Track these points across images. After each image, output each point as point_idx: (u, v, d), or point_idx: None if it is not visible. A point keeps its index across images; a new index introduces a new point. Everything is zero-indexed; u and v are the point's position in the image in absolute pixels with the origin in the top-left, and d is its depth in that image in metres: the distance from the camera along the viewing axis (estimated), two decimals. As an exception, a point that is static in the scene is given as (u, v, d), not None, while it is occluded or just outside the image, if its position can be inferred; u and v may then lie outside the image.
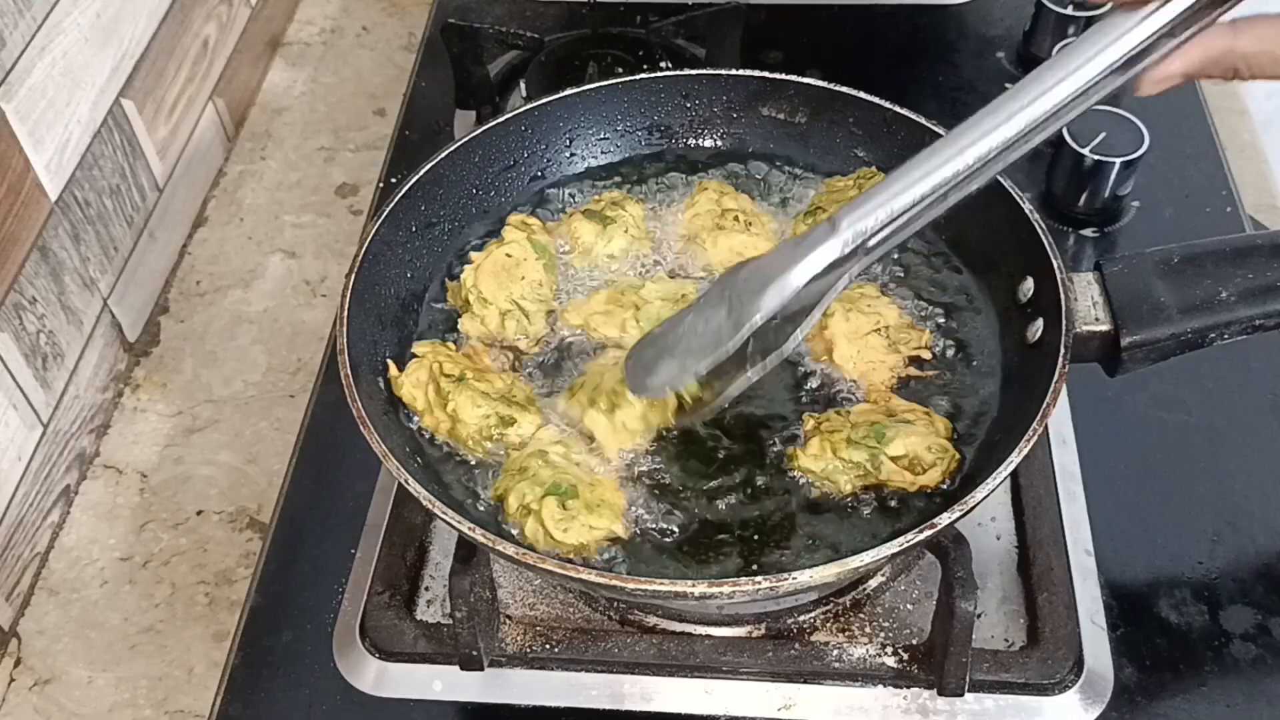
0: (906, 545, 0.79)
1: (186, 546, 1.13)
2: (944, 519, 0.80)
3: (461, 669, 0.92)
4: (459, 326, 1.01)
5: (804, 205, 1.09)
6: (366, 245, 0.98)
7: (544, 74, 1.39)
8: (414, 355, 0.97)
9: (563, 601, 0.98)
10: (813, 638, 0.94)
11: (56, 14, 1.14)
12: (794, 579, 0.78)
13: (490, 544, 0.81)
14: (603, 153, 1.15)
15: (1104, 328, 0.91)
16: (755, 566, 0.87)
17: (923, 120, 1.05)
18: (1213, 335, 0.91)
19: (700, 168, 1.13)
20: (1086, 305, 0.92)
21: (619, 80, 1.12)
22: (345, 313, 0.93)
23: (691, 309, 0.89)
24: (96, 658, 1.06)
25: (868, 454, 0.89)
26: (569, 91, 1.11)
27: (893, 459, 0.89)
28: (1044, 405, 0.84)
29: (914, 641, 0.93)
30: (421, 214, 1.04)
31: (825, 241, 0.81)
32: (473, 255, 1.03)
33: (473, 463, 0.93)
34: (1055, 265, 0.92)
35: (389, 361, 0.95)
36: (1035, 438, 0.82)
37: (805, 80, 1.10)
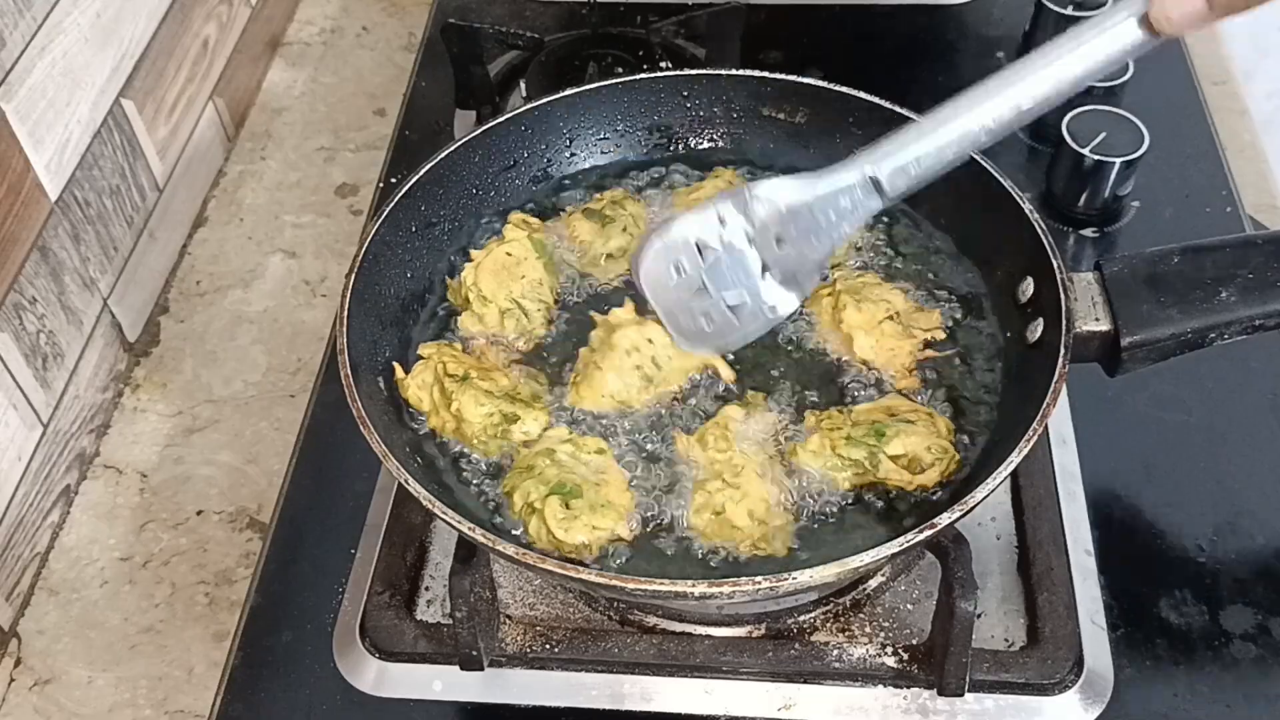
0: (906, 545, 0.79)
1: (186, 546, 1.13)
2: (944, 519, 0.80)
3: (461, 669, 0.92)
4: (459, 324, 1.01)
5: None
6: (366, 245, 0.98)
7: (544, 74, 1.39)
8: (419, 357, 0.96)
9: (563, 601, 0.98)
10: (813, 638, 0.94)
11: (56, 14, 1.14)
12: (794, 579, 0.78)
13: (490, 544, 0.81)
14: (603, 153, 1.15)
15: (1104, 328, 0.91)
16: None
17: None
18: (1213, 335, 0.91)
19: (700, 167, 1.13)
20: (1086, 305, 0.92)
21: (619, 80, 1.12)
22: (345, 313, 0.93)
23: (709, 207, 0.90)
24: (96, 658, 1.06)
25: (867, 452, 0.89)
26: (569, 91, 1.11)
27: (891, 458, 0.89)
28: (1044, 405, 0.84)
29: (914, 641, 0.93)
30: (421, 214, 1.04)
31: (844, 170, 0.85)
32: (473, 253, 1.03)
33: (476, 461, 0.93)
34: (1055, 265, 0.92)
35: (394, 364, 0.95)
36: (1035, 438, 0.82)
37: (805, 80, 1.10)
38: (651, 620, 0.96)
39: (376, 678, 0.94)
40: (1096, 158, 1.20)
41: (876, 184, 0.85)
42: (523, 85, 1.39)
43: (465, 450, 0.94)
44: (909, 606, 0.96)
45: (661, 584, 0.79)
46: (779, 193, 0.87)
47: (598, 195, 1.10)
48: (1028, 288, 0.97)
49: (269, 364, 1.28)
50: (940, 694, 0.90)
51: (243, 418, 1.23)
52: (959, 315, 1.01)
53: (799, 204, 0.87)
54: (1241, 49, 1.57)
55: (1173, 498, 1.03)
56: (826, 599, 0.96)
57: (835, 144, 1.11)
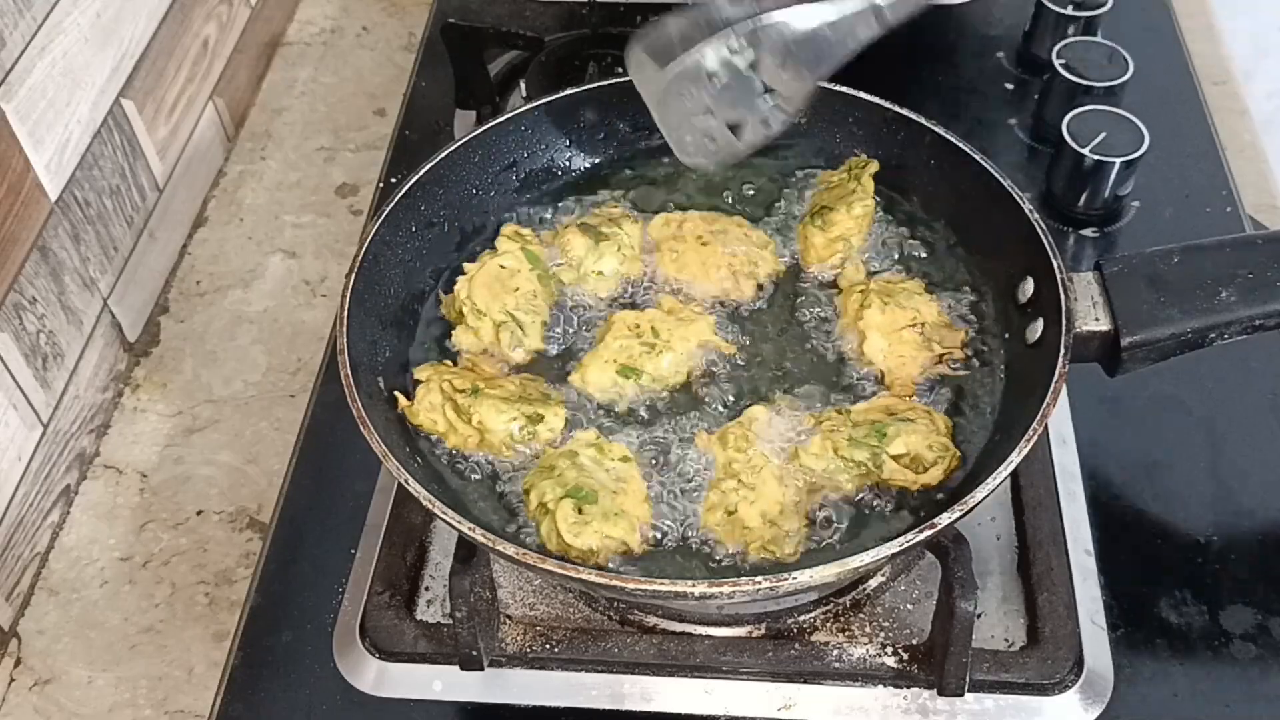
0: (906, 545, 0.79)
1: (186, 546, 1.13)
2: (944, 519, 0.80)
3: (461, 669, 0.92)
4: (454, 339, 1.01)
5: (804, 206, 1.09)
6: (366, 245, 0.98)
7: (544, 74, 1.39)
8: (417, 381, 0.95)
9: (563, 601, 0.98)
10: (813, 638, 0.94)
11: (56, 14, 1.14)
12: (794, 579, 0.78)
13: (490, 544, 0.81)
14: (603, 153, 1.15)
15: (1104, 327, 0.91)
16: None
17: (923, 120, 1.05)
18: (1212, 335, 0.91)
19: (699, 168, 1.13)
20: (1086, 305, 0.92)
21: (619, 80, 1.12)
22: (345, 313, 0.93)
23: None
24: (96, 658, 1.06)
25: (869, 453, 0.89)
26: (569, 91, 1.11)
27: (894, 457, 0.89)
28: (1044, 405, 0.84)
29: (914, 641, 0.93)
30: (421, 214, 1.04)
31: None
32: (466, 267, 1.03)
33: (475, 460, 0.93)
34: (1055, 265, 0.92)
35: (397, 394, 0.94)
36: (1035, 437, 0.82)
37: (805, 80, 1.10)
38: (651, 620, 0.96)
39: (376, 678, 0.94)
40: (1097, 158, 1.20)
41: (878, 10, 0.87)
42: (523, 85, 1.39)
43: (466, 452, 0.94)
44: (909, 606, 0.96)
45: (662, 584, 0.79)
46: (788, 23, 0.89)
47: (595, 210, 1.09)
48: (1028, 287, 0.97)
49: (269, 364, 1.28)
50: (940, 694, 0.90)
51: (243, 418, 1.23)
52: (961, 314, 1.01)
53: (805, 32, 0.89)
54: (1241, 49, 1.57)
55: (1173, 497, 1.03)
56: (826, 599, 0.96)
57: (835, 143, 1.11)
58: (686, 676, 0.92)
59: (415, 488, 0.83)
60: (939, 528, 0.80)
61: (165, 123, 1.36)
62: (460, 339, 1.00)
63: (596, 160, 1.15)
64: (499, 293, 1.00)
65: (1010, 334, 0.98)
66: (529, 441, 0.92)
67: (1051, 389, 0.85)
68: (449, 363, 0.99)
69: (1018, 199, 0.97)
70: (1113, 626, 0.95)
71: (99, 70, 1.22)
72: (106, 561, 1.12)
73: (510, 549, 0.81)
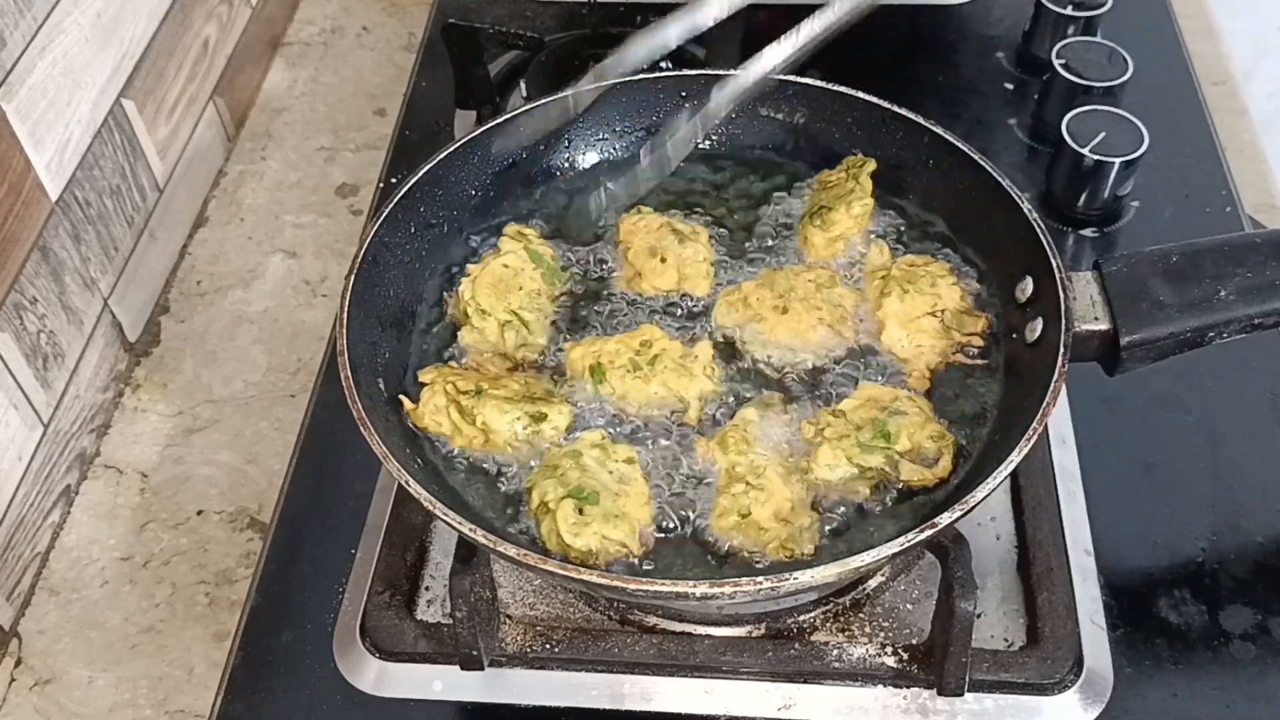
0: (906, 545, 0.79)
1: (187, 546, 1.13)
2: (944, 519, 0.80)
3: (462, 669, 0.92)
4: (459, 340, 1.01)
5: (803, 205, 1.09)
6: (366, 246, 0.98)
7: (544, 74, 1.39)
8: (422, 384, 0.95)
9: (563, 601, 0.98)
10: (813, 638, 0.94)
11: (57, 14, 1.14)
12: (794, 579, 0.78)
13: (490, 544, 0.81)
14: (602, 153, 1.15)
15: (1103, 327, 0.91)
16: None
17: (922, 120, 1.05)
18: (1212, 334, 0.91)
19: (699, 167, 1.13)
20: (1085, 304, 0.92)
21: (618, 80, 1.12)
22: (345, 313, 0.93)
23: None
24: (97, 658, 1.06)
25: (884, 457, 0.89)
26: (569, 91, 1.11)
27: (902, 454, 0.89)
28: (1044, 405, 0.84)
29: (914, 641, 0.93)
30: (421, 214, 1.04)
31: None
32: (470, 268, 1.03)
33: (475, 461, 0.93)
34: (1054, 265, 0.92)
35: (401, 397, 0.94)
36: (1035, 437, 0.82)
37: (804, 80, 1.10)
38: (652, 620, 0.96)
39: (377, 678, 0.94)
40: (1096, 158, 1.20)
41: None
42: (523, 85, 1.39)
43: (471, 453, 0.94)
44: (909, 606, 0.96)
45: (663, 584, 0.79)
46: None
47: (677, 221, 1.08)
48: (1027, 287, 0.97)
49: (269, 364, 1.28)
50: (940, 694, 0.90)
51: (243, 418, 1.23)
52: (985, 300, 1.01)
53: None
54: (1241, 49, 1.57)
55: (1172, 497, 1.03)
56: (826, 599, 0.96)
57: (834, 143, 1.11)
58: (686, 676, 0.92)
59: (415, 488, 0.83)
60: (939, 528, 0.80)
61: (166, 123, 1.36)
62: (466, 339, 1.00)
63: (596, 160, 1.15)
64: (503, 292, 1.00)
65: (1009, 333, 0.98)
66: (534, 440, 0.92)
67: (1051, 388, 0.85)
68: (453, 364, 0.99)
69: (1017, 199, 0.97)
70: (1112, 626, 0.95)
71: (99, 70, 1.22)
72: (107, 561, 1.12)
73: (511, 549, 0.81)
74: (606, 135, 1.14)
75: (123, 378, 1.27)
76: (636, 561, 0.87)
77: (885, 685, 0.91)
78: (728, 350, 1.00)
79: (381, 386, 0.95)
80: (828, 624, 0.95)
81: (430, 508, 0.83)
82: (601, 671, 0.93)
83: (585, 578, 0.80)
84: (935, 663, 0.90)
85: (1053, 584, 0.94)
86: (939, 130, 1.04)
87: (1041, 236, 0.94)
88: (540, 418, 0.93)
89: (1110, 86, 1.27)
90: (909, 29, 1.50)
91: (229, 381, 1.26)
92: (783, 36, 0.93)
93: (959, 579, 0.84)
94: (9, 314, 1.08)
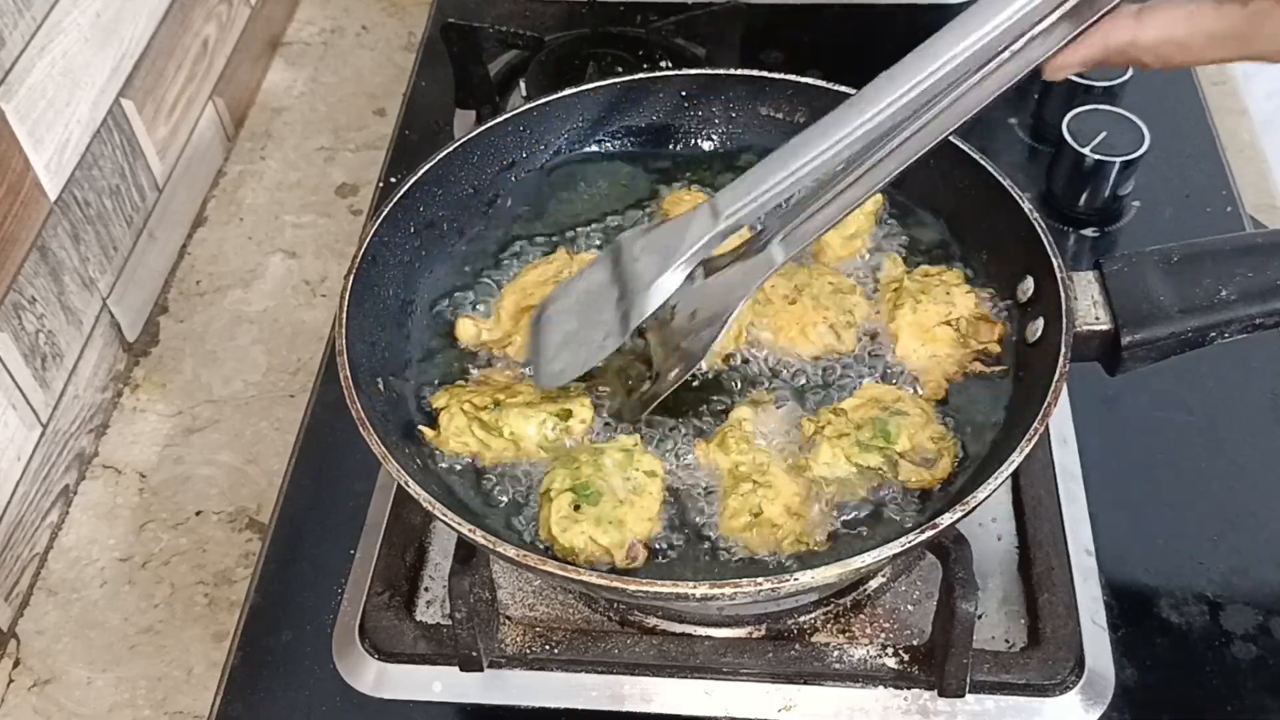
0: (907, 546, 0.79)
1: (186, 547, 1.13)
2: (945, 519, 0.80)
3: (461, 670, 0.92)
4: (457, 332, 1.00)
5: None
6: (365, 246, 0.97)
7: (544, 73, 1.39)
8: (435, 410, 0.94)
9: (562, 602, 0.97)
10: (813, 639, 0.94)
11: (56, 13, 1.14)
12: (795, 580, 0.78)
13: (490, 545, 0.81)
14: (601, 153, 1.14)
15: (1104, 327, 0.91)
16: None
17: (923, 120, 1.05)
18: (1213, 334, 0.91)
19: (699, 167, 1.13)
20: (1086, 304, 0.91)
21: (618, 80, 1.12)
22: (344, 313, 0.92)
23: (587, 274, 0.92)
24: (96, 658, 1.06)
25: (882, 457, 0.89)
26: (569, 91, 1.11)
27: (901, 454, 0.89)
28: (1045, 405, 0.84)
29: (915, 642, 0.93)
30: (421, 214, 1.04)
31: (706, 231, 0.85)
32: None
33: (474, 461, 0.93)
34: (1055, 264, 0.92)
35: (421, 429, 0.93)
36: (1036, 438, 0.82)
37: (805, 80, 1.10)
38: (652, 621, 0.95)
39: (376, 678, 0.94)
40: (1097, 157, 1.20)
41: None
42: (523, 85, 1.39)
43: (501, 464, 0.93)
44: (910, 607, 0.96)
45: (663, 586, 0.79)
46: (652, 301, 0.88)
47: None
48: (1028, 287, 0.96)
49: (269, 364, 1.28)
50: (941, 695, 0.90)
51: (242, 418, 1.23)
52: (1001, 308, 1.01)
53: (671, 294, 0.88)
54: (1242, 49, 1.56)
55: (1174, 497, 1.03)
56: (827, 600, 0.96)
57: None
58: (687, 677, 0.92)
59: (415, 489, 0.83)
60: (940, 528, 0.79)
61: (165, 122, 1.36)
62: (463, 332, 1.00)
63: (596, 160, 1.14)
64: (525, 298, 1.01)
65: (1010, 334, 0.98)
66: (564, 437, 0.92)
67: (1052, 388, 0.85)
68: (461, 383, 0.98)
69: (1017, 198, 0.97)
70: (1113, 627, 0.95)
71: (99, 70, 1.22)
72: (106, 562, 1.12)
73: (510, 550, 0.80)
74: (606, 135, 1.14)
75: (121, 378, 1.27)
76: (619, 570, 0.86)
77: (886, 686, 0.91)
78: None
79: (381, 386, 0.94)
80: (828, 625, 0.95)
81: (429, 508, 0.83)
82: (601, 673, 0.93)
83: (585, 579, 0.80)
84: (936, 664, 0.89)
85: (1054, 584, 0.94)
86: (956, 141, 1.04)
87: (1042, 236, 0.94)
88: (566, 415, 0.92)
89: (1111, 86, 1.27)
90: (910, 29, 1.49)
91: (228, 381, 1.26)
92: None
93: (960, 580, 0.84)
94: (7, 314, 1.07)
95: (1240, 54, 0.72)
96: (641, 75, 1.14)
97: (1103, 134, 1.21)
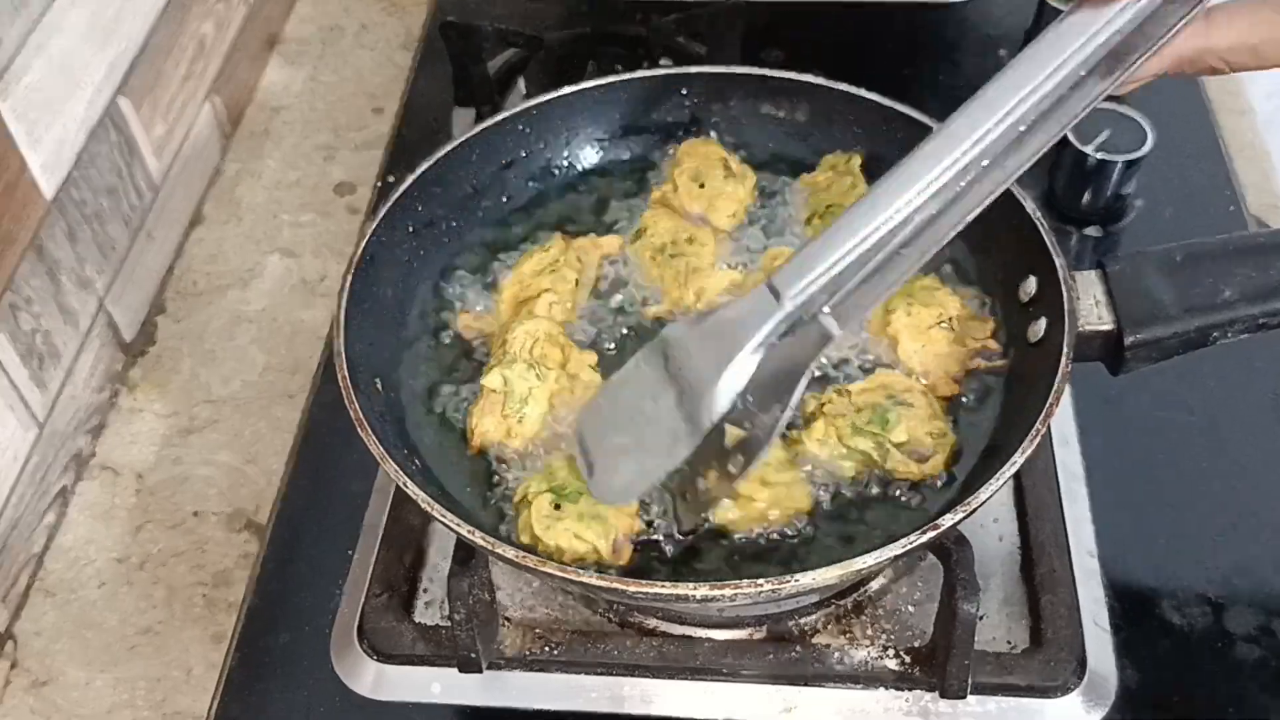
0: (909, 547, 0.78)
1: (184, 547, 1.12)
2: (947, 520, 0.79)
3: (460, 671, 0.92)
4: (457, 326, 1.01)
5: (791, 210, 1.09)
6: (364, 245, 0.97)
7: (544, 72, 1.39)
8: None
9: (562, 604, 0.97)
10: (814, 640, 0.94)
11: (53, 12, 1.13)
12: (796, 581, 0.77)
13: (489, 546, 0.80)
14: (601, 151, 1.14)
15: (1107, 326, 0.90)
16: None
17: (924, 118, 1.05)
18: (1215, 334, 0.90)
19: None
20: (1089, 304, 0.91)
21: (619, 78, 1.12)
22: (343, 313, 0.92)
23: (633, 377, 0.85)
24: (94, 659, 1.05)
25: (874, 443, 0.89)
26: (568, 90, 1.11)
27: (896, 445, 0.89)
28: (1047, 405, 0.84)
29: (916, 644, 0.93)
30: (419, 213, 1.04)
31: (770, 316, 0.77)
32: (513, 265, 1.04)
33: (475, 461, 0.93)
34: (1058, 264, 0.92)
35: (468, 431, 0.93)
36: (1038, 438, 0.82)
37: (806, 78, 1.10)
38: (651, 623, 0.95)
39: (374, 680, 0.93)
40: (1100, 157, 1.19)
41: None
42: (522, 83, 1.39)
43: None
44: (911, 608, 0.96)
45: (663, 587, 0.79)
46: (719, 403, 0.79)
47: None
48: (1030, 287, 0.96)
49: (267, 364, 1.27)
50: (942, 696, 0.90)
51: (241, 418, 1.22)
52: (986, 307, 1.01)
53: (742, 391, 0.80)
54: (1244, 47, 1.56)
55: (1176, 498, 1.03)
56: (828, 601, 0.95)
57: (835, 141, 1.11)
58: (687, 679, 0.92)
59: (413, 490, 0.83)
60: (941, 529, 0.79)
61: (162, 121, 1.35)
62: (461, 321, 1.01)
63: (596, 160, 1.14)
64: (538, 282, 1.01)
65: (1012, 333, 0.97)
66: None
67: (1054, 388, 0.84)
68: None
69: (1020, 198, 0.97)
70: (1116, 628, 0.95)
71: (95, 68, 1.22)
72: (103, 562, 1.12)
73: (510, 551, 0.80)
74: (606, 135, 1.14)
75: (119, 378, 1.26)
76: (609, 568, 0.85)
77: (887, 688, 0.91)
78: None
79: (379, 387, 0.94)
80: (829, 626, 0.95)
81: (428, 509, 0.82)
82: (601, 674, 0.92)
83: (585, 580, 0.80)
84: (937, 665, 0.89)
85: (1056, 586, 0.94)
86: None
87: (1045, 236, 0.94)
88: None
89: (1113, 85, 1.26)
90: (910, 27, 1.49)
91: (226, 381, 1.26)
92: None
93: (961, 581, 0.84)
94: (4, 314, 1.07)
95: None
96: (642, 74, 1.13)
97: (1106, 133, 1.20)
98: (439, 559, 1.00)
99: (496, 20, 1.43)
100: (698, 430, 0.80)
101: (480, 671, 0.92)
